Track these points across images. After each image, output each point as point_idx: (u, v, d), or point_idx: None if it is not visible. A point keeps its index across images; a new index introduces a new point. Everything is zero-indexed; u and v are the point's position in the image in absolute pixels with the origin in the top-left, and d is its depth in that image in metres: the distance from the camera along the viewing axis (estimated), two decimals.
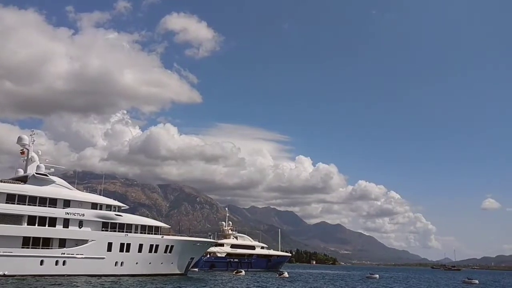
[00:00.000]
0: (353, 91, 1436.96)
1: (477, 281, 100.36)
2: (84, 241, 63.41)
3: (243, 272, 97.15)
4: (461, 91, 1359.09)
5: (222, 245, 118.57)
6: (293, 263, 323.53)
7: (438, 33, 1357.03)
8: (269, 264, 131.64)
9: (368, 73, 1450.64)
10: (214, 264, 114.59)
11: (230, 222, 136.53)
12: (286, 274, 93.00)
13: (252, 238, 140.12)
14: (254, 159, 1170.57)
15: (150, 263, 70.44)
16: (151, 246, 70.52)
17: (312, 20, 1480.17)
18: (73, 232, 62.77)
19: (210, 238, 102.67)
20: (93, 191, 75.02)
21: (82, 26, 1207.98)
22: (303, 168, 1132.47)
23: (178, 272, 75.80)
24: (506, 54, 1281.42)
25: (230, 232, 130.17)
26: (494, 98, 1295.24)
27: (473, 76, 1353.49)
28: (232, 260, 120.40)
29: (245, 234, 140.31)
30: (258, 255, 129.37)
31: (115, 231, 67.21)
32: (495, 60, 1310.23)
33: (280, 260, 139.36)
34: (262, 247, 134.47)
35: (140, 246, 69.13)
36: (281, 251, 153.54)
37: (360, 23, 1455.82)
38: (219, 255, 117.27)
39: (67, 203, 63.55)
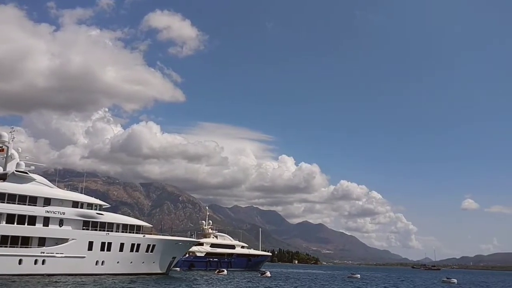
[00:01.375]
0: (336, 91, 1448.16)
1: (455, 281, 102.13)
2: (65, 240, 62.53)
3: (226, 272, 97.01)
4: (442, 92, 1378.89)
5: (201, 244, 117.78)
6: (275, 263, 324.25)
7: (420, 33, 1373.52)
8: (249, 263, 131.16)
9: (350, 73, 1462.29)
10: (193, 263, 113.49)
11: (211, 221, 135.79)
12: (268, 274, 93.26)
13: (235, 238, 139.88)
14: (237, 158, 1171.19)
15: (131, 263, 69.83)
16: (133, 245, 69.92)
17: (295, 20, 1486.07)
18: (53, 230, 61.82)
19: (190, 237, 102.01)
20: (74, 189, 73.99)
21: (63, 22, 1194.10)
22: (286, 167, 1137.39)
23: (160, 271, 75.29)
24: (484, 54, 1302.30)
25: (210, 231, 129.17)
26: (474, 99, 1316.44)
27: (454, 77, 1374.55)
28: (211, 259, 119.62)
29: (226, 233, 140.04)
30: (238, 255, 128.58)
31: (96, 230, 66.42)
32: (474, 60, 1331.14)
33: (260, 259, 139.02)
34: (243, 247, 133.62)
35: (122, 245, 68.46)
36: (262, 250, 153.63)
37: (343, 24, 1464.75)
38: (198, 254, 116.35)
39: (47, 201, 62.56)
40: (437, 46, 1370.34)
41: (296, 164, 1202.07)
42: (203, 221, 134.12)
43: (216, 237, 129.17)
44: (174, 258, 78.76)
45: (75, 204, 65.88)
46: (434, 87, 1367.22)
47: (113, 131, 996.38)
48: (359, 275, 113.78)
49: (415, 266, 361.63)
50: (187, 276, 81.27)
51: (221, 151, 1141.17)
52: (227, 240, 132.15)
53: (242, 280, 75.12)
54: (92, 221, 66.34)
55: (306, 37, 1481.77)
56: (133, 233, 71.11)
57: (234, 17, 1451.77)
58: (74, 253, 62.86)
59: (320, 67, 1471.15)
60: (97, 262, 65.41)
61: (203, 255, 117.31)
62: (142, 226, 74.64)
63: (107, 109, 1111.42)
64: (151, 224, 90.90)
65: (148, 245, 72.24)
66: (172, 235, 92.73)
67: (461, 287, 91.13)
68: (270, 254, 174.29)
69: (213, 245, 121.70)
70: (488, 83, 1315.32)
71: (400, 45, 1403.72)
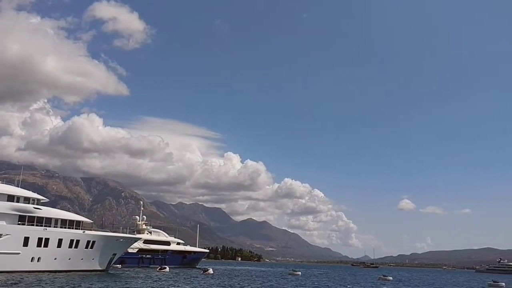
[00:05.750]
0: (282, 88, 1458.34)
1: (391, 278, 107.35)
2: None
3: (168, 269, 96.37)
4: (383, 91, 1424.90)
5: None
6: (219, 260, 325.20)
7: (375, 36, 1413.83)
8: (185, 260, 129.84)
9: (294, 68, 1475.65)
10: (124, 260, 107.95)
11: (144, 217, 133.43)
12: (210, 271, 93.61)
13: (179, 235, 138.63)
14: (182, 154, 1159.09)
15: (69, 259, 67.89)
16: (72, 241, 67.91)
17: (242, 17, 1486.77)
18: None
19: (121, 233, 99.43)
20: (10, 182, 70.71)
21: (1, 7, 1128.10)
22: (232, 165, 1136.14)
23: (99, 268, 73.76)
24: (428, 54, 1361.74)
25: (144, 227, 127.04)
26: (413, 100, 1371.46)
27: (399, 77, 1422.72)
28: (144, 256, 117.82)
29: (166, 230, 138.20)
30: (173, 251, 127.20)
31: (33, 225, 64.03)
32: (415, 62, 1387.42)
33: (196, 256, 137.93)
34: (178, 243, 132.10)
35: (60, 241, 66.34)
36: (202, 247, 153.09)
37: (288, 23, 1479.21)
38: (130, 250, 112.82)
39: None
40: (369, 43, 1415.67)
41: (242, 161, 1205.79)
42: (137, 216, 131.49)
43: (150, 233, 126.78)
44: (114, 255, 77.30)
45: (10, 198, 63.33)
46: (380, 86, 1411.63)
47: (52, 122, 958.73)
48: (300, 272, 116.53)
49: (354, 264, 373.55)
50: (128, 273, 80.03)
51: (166, 147, 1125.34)
52: (162, 236, 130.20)
53: (185, 278, 74.91)
54: (29, 216, 63.91)
55: (253, 34, 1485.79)
56: (73, 228, 69.05)
57: (183, 13, 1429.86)
58: (7, 249, 60.22)
59: (265, 63, 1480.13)
60: (32, 259, 63.05)
61: (135, 251, 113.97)
62: (82, 221, 72.63)
63: (46, 100, 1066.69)
64: (92, 220, 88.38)
65: (88, 241, 70.46)
66: (113, 232, 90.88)
67: (396, 284, 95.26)
68: (207, 251, 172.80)
69: (146, 241, 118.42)
70: (426, 83, 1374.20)
71: (355, 45, 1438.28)
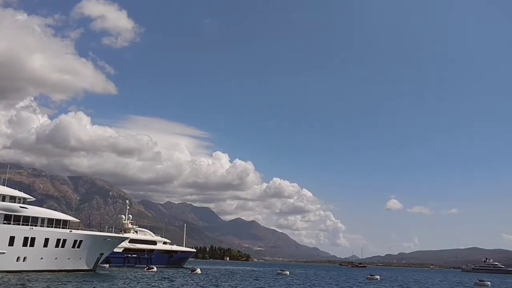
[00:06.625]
0: (270, 87, 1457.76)
1: (378, 277, 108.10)
2: None
3: (155, 269, 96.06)
4: (371, 92, 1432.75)
5: None
6: (207, 260, 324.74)
7: (365, 35, 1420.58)
8: (171, 260, 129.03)
9: (283, 67, 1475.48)
10: (109, 259, 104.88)
11: (130, 216, 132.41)
12: (198, 271, 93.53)
13: (167, 235, 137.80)
14: (170, 153, 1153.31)
15: (56, 259, 67.29)
16: (58, 240, 67.33)
17: (232, 17, 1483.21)
18: None
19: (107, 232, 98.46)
20: None
21: None
22: (220, 164, 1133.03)
23: (87, 268, 73.23)
24: (403, 54, 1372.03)
25: (130, 226, 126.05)
26: (401, 101, 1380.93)
27: (387, 78, 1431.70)
28: (130, 255, 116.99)
29: (153, 229, 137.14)
30: (159, 251, 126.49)
31: (19, 224, 63.34)
32: (404, 62, 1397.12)
33: (183, 256, 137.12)
34: (165, 243, 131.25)
35: (46, 240, 65.73)
36: (190, 247, 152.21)
37: (277, 23, 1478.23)
38: (115, 249, 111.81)
39: None
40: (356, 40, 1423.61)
41: (231, 161, 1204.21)
42: (123, 216, 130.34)
43: (136, 232, 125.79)
44: (102, 254, 76.84)
45: None
46: (359, 84, 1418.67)
47: (39, 121, 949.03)
48: (288, 272, 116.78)
49: (342, 264, 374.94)
50: (115, 273, 79.58)
51: (154, 146, 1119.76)
52: (148, 235, 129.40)
53: (173, 277, 74.65)
54: (15, 215, 63.22)
55: (242, 33, 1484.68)
56: (59, 228, 68.42)
57: (172, 12, 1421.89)
58: None
59: (254, 63, 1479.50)
60: (18, 258, 62.39)
61: (120, 250, 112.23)
62: (69, 221, 72.00)
63: (33, 98, 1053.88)
64: (79, 219, 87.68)
65: (75, 241, 69.91)
66: (101, 231, 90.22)
67: (384, 284, 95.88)
68: (194, 250, 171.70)
69: (132, 241, 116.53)
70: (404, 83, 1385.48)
71: (339, 43, 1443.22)
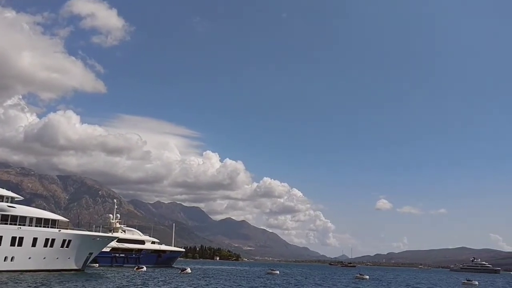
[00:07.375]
0: (261, 87, 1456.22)
1: (367, 277, 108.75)
2: None
3: (145, 268, 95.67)
4: (362, 91, 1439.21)
5: None
6: (197, 259, 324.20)
7: (355, 35, 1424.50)
8: (160, 259, 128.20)
9: (273, 67, 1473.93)
10: (96, 259, 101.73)
11: (118, 215, 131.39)
12: (188, 270, 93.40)
13: (156, 234, 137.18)
14: (160, 153, 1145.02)
15: (44, 258, 66.76)
16: (47, 240, 66.78)
17: (222, 16, 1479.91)
18: None
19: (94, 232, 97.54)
20: None
21: None
22: (210, 164, 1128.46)
23: (76, 267, 72.75)
24: (393, 54, 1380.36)
25: (117, 225, 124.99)
26: (390, 100, 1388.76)
27: (377, 77, 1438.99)
28: (117, 255, 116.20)
29: (143, 229, 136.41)
30: (148, 250, 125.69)
31: (6, 223, 62.71)
32: (394, 62, 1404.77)
33: (172, 255, 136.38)
34: (153, 242, 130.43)
35: (35, 240, 65.17)
36: (179, 246, 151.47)
37: (268, 23, 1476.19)
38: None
39: None
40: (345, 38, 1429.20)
41: (221, 160, 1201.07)
42: (110, 215, 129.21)
43: (124, 231, 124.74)
44: (91, 254, 76.39)
45: None
46: (349, 84, 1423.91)
47: (28, 119, 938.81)
48: (278, 272, 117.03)
49: (332, 263, 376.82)
50: (104, 273, 79.15)
51: (144, 145, 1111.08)
52: (136, 235, 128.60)
53: (164, 277, 74.46)
54: (2, 215, 62.62)
55: (232, 32, 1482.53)
56: (48, 227, 67.86)
57: (162, 10, 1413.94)
58: None
59: (244, 62, 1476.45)
60: (6, 258, 61.80)
61: (108, 250, 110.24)
62: (58, 220, 71.42)
63: (21, 97, 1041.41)
64: (68, 219, 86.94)
65: (64, 240, 69.38)
66: (90, 231, 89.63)
67: (372, 283, 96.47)
68: (183, 250, 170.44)
69: (120, 240, 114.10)
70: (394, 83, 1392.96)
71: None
